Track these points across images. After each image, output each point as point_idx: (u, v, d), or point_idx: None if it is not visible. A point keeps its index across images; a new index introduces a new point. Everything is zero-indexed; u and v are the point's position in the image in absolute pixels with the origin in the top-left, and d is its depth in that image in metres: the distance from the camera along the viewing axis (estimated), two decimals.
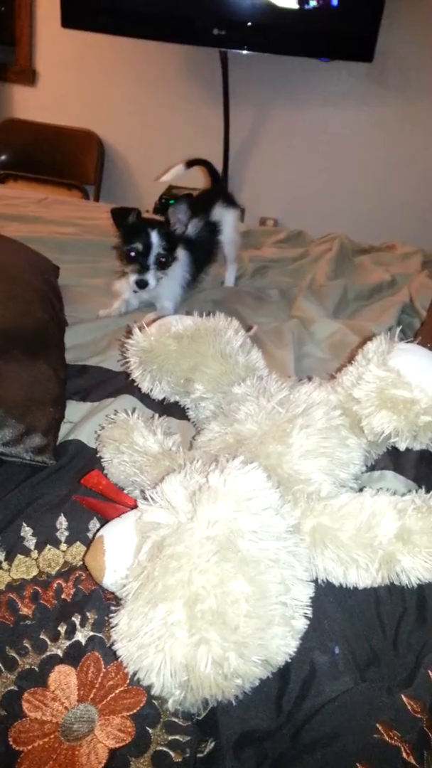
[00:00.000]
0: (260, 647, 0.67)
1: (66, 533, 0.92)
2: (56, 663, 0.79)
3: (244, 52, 3.00)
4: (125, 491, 0.95)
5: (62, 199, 2.77)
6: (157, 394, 1.14)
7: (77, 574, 0.87)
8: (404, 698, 0.73)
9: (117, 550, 0.77)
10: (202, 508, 0.70)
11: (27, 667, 0.79)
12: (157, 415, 1.10)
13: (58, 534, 0.91)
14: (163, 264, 1.61)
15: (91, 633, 0.81)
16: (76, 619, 0.82)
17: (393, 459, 1.10)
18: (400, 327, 1.13)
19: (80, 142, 3.53)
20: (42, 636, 0.81)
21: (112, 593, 0.81)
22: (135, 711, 0.75)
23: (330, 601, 0.84)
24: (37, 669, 0.78)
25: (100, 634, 0.81)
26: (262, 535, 0.71)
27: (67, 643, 0.80)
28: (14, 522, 0.92)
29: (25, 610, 0.83)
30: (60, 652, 0.80)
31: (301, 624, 0.73)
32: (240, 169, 3.46)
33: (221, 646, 0.65)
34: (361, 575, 0.80)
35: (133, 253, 1.59)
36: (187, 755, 0.72)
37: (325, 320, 1.71)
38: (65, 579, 0.87)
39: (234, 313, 1.47)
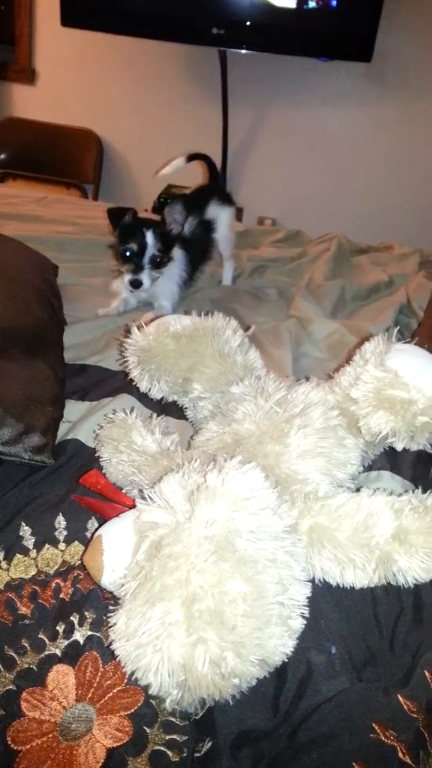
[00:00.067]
0: (257, 647, 0.68)
1: (64, 533, 0.92)
2: (54, 662, 0.79)
3: (243, 51, 3.00)
4: (124, 491, 0.95)
5: (61, 198, 2.77)
6: (156, 394, 1.14)
7: (76, 574, 0.87)
8: (400, 698, 0.74)
9: (115, 550, 0.78)
10: (200, 508, 0.71)
11: (25, 666, 0.79)
12: (155, 415, 1.10)
13: (56, 533, 0.91)
14: (158, 264, 1.61)
15: (90, 632, 0.81)
16: (75, 619, 0.82)
17: (390, 459, 1.11)
18: (398, 327, 1.13)
19: (79, 141, 3.53)
20: (40, 635, 0.81)
21: (111, 593, 0.81)
22: (133, 710, 0.75)
23: (327, 600, 0.84)
24: (35, 668, 0.79)
25: (98, 634, 0.81)
26: (259, 534, 0.71)
27: (66, 642, 0.81)
28: (13, 521, 0.92)
29: (23, 610, 0.84)
30: (58, 652, 0.80)
31: (298, 624, 0.73)
32: (238, 168, 3.46)
33: (219, 646, 0.65)
34: (358, 575, 0.81)
35: (128, 253, 1.60)
36: (185, 755, 0.73)
37: (323, 320, 1.72)
38: (64, 578, 0.87)
39: (232, 313, 1.47)
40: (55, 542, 0.91)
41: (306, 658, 0.78)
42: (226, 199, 1.97)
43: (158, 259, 1.61)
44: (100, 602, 0.84)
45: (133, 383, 1.16)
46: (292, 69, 3.19)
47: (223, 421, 1.02)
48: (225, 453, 0.91)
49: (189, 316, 1.16)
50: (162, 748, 0.73)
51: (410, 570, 0.79)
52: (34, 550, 0.90)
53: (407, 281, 2.08)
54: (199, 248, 1.84)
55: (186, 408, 1.17)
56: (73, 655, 0.80)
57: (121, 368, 1.25)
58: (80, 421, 1.15)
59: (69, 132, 3.54)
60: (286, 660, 0.72)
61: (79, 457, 1.07)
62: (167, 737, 0.74)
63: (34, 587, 0.86)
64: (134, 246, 1.58)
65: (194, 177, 2.51)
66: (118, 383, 1.27)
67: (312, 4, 2.79)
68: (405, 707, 0.73)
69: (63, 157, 3.52)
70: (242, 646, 0.66)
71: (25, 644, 0.81)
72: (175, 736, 0.74)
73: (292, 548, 0.75)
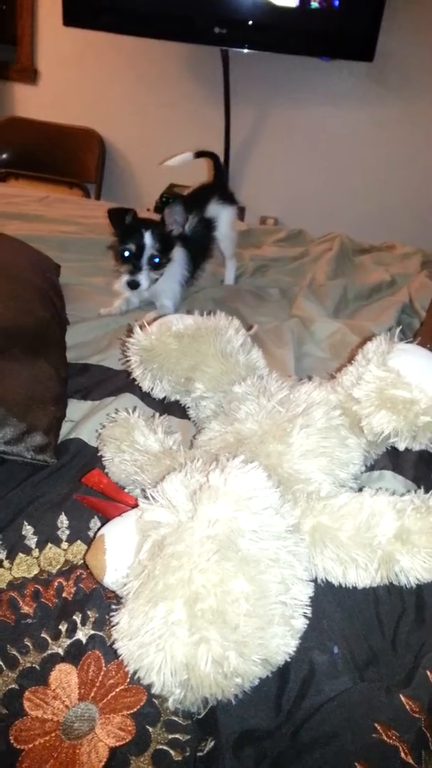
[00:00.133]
0: (260, 646, 0.68)
1: (67, 532, 0.92)
2: (57, 661, 0.79)
3: (245, 50, 2.99)
4: (126, 490, 0.95)
5: (63, 197, 2.77)
6: (158, 393, 1.14)
7: (78, 573, 0.87)
8: (403, 698, 0.74)
9: (118, 549, 0.78)
10: (202, 507, 0.71)
11: (28, 665, 0.79)
12: (157, 414, 1.10)
13: (59, 533, 0.92)
14: (157, 265, 1.61)
15: (92, 632, 0.81)
16: (77, 618, 0.83)
17: (392, 459, 1.11)
18: (400, 327, 1.13)
19: (81, 141, 3.53)
20: (43, 634, 0.81)
21: (113, 592, 0.81)
22: (135, 710, 0.75)
23: (329, 600, 0.84)
24: (38, 667, 0.79)
25: (100, 633, 0.81)
26: (262, 534, 0.71)
27: (68, 641, 0.81)
28: (15, 521, 0.92)
29: (26, 609, 0.84)
30: (61, 651, 0.80)
31: (301, 623, 0.73)
32: (241, 167, 3.46)
33: (221, 645, 0.65)
34: (360, 575, 0.81)
35: (126, 254, 1.59)
36: (187, 754, 0.73)
37: (325, 320, 1.72)
38: (66, 578, 0.87)
39: (234, 312, 1.47)
40: (57, 541, 0.91)
41: (308, 658, 0.78)
42: (228, 198, 1.96)
43: (157, 260, 1.60)
44: (103, 601, 0.84)
45: (136, 383, 1.16)
46: (294, 68, 3.19)
47: (225, 420, 1.02)
48: (227, 452, 0.91)
49: (191, 315, 1.16)
50: (165, 748, 0.73)
51: (412, 570, 0.79)
52: (37, 550, 0.90)
53: (409, 281, 2.08)
54: (199, 246, 1.83)
55: (188, 407, 1.17)
56: (75, 654, 0.80)
57: (124, 368, 1.25)
58: (83, 420, 1.15)
59: (71, 131, 3.54)
60: (289, 659, 0.73)
61: (81, 456, 1.07)
62: (170, 736, 0.74)
63: (36, 586, 0.86)
64: (133, 246, 1.58)
65: (198, 176, 2.51)
66: (120, 383, 1.27)
67: (314, 4, 2.79)
68: (407, 707, 0.73)
69: (65, 157, 3.52)
70: (245, 646, 0.67)
71: (28, 643, 0.81)
72: (177, 736, 0.74)
73: (294, 548, 0.75)
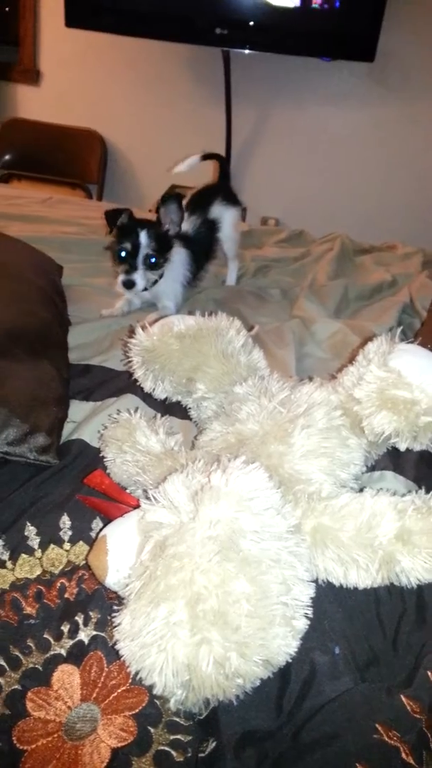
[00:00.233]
0: (261, 647, 0.68)
1: (69, 533, 0.92)
2: (59, 662, 0.79)
3: (246, 51, 2.99)
4: (128, 491, 0.95)
5: (65, 198, 2.77)
6: (160, 394, 1.14)
7: (80, 574, 0.88)
8: (403, 699, 0.74)
9: (120, 550, 0.78)
10: (204, 508, 0.71)
11: (30, 666, 0.79)
12: (159, 415, 1.10)
13: (61, 533, 0.92)
14: (153, 265, 1.60)
15: (94, 632, 0.82)
16: (79, 619, 0.83)
17: (393, 459, 1.11)
18: (401, 327, 1.13)
19: (83, 142, 3.53)
20: (45, 635, 0.82)
21: (115, 593, 0.81)
22: (137, 710, 0.75)
23: (330, 601, 0.84)
24: (40, 668, 0.79)
25: (102, 634, 0.81)
26: (263, 535, 0.71)
27: (71, 642, 0.81)
28: (18, 521, 0.93)
29: (28, 610, 0.84)
30: (63, 652, 0.80)
31: (302, 624, 0.73)
32: (242, 168, 3.46)
33: (223, 646, 0.66)
34: (361, 575, 0.81)
35: (122, 253, 1.59)
36: (189, 755, 0.73)
37: (326, 320, 1.71)
38: (68, 578, 0.87)
39: (236, 313, 1.47)
40: (60, 542, 0.91)
41: (309, 659, 0.78)
42: (232, 199, 1.95)
43: (153, 260, 1.59)
44: (105, 602, 0.84)
45: (137, 383, 1.16)
46: (295, 69, 3.19)
47: (226, 421, 1.02)
48: (229, 453, 0.91)
49: (193, 316, 1.17)
50: (166, 748, 0.73)
51: (413, 570, 0.79)
52: (39, 550, 0.90)
53: (410, 281, 2.08)
54: (203, 247, 1.83)
55: (190, 408, 1.17)
56: (77, 655, 0.80)
57: (125, 368, 1.26)
58: (85, 421, 1.15)
59: (73, 132, 3.55)
60: (290, 660, 0.73)
61: (83, 457, 1.07)
62: (171, 737, 0.74)
63: (39, 587, 0.86)
64: (128, 246, 1.57)
65: (199, 177, 2.51)
66: (122, 383, 1.27)
67: (315, 5, 2.79)
68: (408, 708, 0.73)
69: (67, 158, 3.52)
70: (246, 647, 0.67)
71: (30, 644, 0.81)
72: (179, 736, 0.74)
73: (295, 548, 0.75)
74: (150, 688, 0.71)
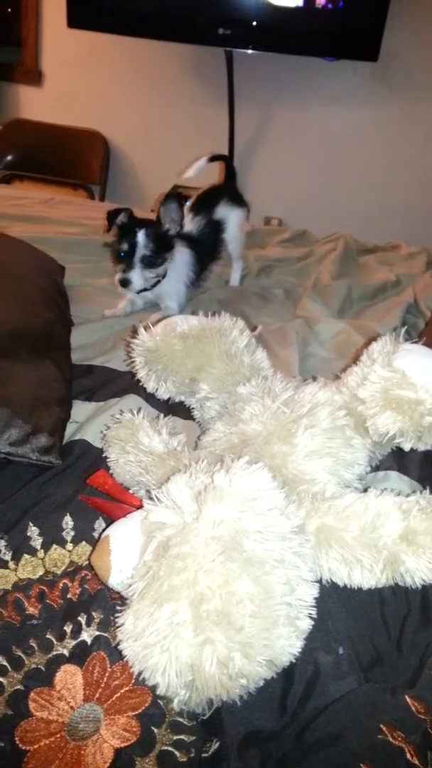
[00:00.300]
0: (265, 647, 0.67)
1: (72, 533, 0.92)
2: (62, 662, 0.79)
3: (249, 51, 2.99)
4: (131, 491, 0.95)
5: (68, 199, 2.78)
6: (162, 394, 1.14)
7: (83, 574, 0.87)
8: (408, 699, 0.74)
9: (123, 550, 0.78)
10: (207, 508, 0.71)
11: (33, 666, 0.79)
12: (162, 415, 1.10)
13: (64, 534, 0.92)
14: (151, 264, 1.60)
15: (97, 632, 0.82)
16: (82, 619, 0.83)
17: (397, 459, 1.11)
18: (405, 327, 1.13)
19: (85, 142, 3.54)
20: (48, 635, 0.82)
21: (118, 593, 0.81)
22: (140, 711, 0.75)
23: (334, 601, 0.84)
24: (43, 668, 0.79)
25: (105, 634, 0.81)
26: (267, 535, 0.71)
27: (73, 642, 0.81)
28: (21, 522, 0.93)
29: (31, 610, 0.84)
30: (66, 652, 0.80)
31: (306, 624, 0.73)
32: (245, 168, 3.45)
33: (226, 647, 0.65)
34: (366, 576, 0.80)
35: (121, 253, 1.59)
36: (192, 755, 0.73)
37: (330, 320, 1.71)
38: (71, 579, 0.87)
39: (239, 313, 1.47)
40: (62, 542, 0.91)
41: (313, 659, 0.78)
42: (238, 200, 1.95)
43: (150, 259, 1.59)
44: (108, 602, 0.84)
45: (140, 384, 1.16)
46: (297, 69, 3.19)
47: (230, 421, 1.02)
48: (232, 453, 0.91)
49: (196, 316, 1.16)
50: (170, 749, 0.73)
51: (418, 571, 0.79)
52: (42, 551, 0.90)
53: (414, 281, 2.08)
54: (207, 247, 1.83)
55: (193, 408, 1.17)
56: (80, 655, 0.80)
57: (128, 369, 1.26)
58: (87, 421, 1.15)
59: (75, 133, 3.55)
60: (294, 660, 0.72)
61: (86, 457, 1.07)
62: (175, 737, 0.74)
63: (41, 587, 0.86)
64: (126, 245, 1.58)
65: (201, 178, 2.51)
66: (125, 384, 1.27)
67: (319, 4, 2.79)
68: (413, 708, 0.73)
69: (69, 159, 3.53)
70: (250, 647, 0.66)
71: (33, 644, 0.81)
72: (182, 737, 0.74)
73: (299, 549, 0.75)
74: (153, 688, 0.71)
